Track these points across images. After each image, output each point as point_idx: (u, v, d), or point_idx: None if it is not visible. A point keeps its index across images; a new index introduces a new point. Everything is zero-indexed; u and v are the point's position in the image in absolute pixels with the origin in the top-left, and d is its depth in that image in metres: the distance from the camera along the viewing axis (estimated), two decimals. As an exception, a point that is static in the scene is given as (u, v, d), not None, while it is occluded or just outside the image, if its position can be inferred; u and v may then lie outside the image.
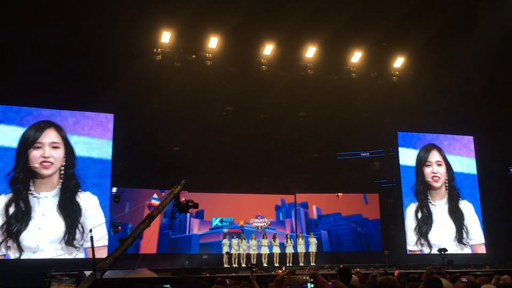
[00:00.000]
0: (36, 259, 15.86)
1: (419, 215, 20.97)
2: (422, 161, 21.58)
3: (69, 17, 15.59)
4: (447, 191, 21.51)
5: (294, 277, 2.61)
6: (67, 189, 16.88)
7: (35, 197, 16.42)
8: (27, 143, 16.63)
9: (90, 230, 13.80)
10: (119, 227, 17.13)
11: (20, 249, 15.97)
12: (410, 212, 20.97)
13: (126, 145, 18.27)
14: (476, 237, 21.38)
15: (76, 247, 16.55)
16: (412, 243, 20.62)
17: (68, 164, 17.02)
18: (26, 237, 16.13)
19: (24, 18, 15.40)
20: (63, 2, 15.27)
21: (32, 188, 16.44)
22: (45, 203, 16.53)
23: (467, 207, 21.58)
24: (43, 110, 17.11)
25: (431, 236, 20.88)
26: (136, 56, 16.98)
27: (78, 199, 17.02)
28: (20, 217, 16.10)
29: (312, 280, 2.56)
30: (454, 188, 21.60)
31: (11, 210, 16.08)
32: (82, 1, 15.34)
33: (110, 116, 17.88)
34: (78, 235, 16.68)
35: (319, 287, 2.52)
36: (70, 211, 16.79)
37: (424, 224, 20.92)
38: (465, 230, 21.33)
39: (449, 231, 21.20)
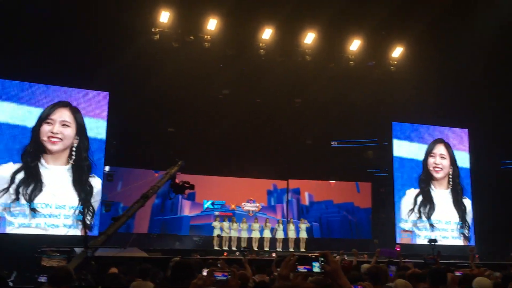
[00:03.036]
0: (28, 234, 15.90)
1: (419, 198, 21.18)
2: (428, 152, 21.80)
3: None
4: (450, 184, 21.69)
5: (302, 256, 2.63)
6: (81, 170, 17.07)
7: (45, 168, 16.61)
8: (41, 117, 16.82)
9: (82, 208, 13.87)
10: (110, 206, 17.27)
11: (32, 211, 16.16)
12: (409, 196, 21.14)
13: (121, 124, 18.21)
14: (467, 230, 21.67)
15: (78, 219, 16.77)
16: (403, 231, 20.76)
17: (80, 146, 17.14)
18: (40, 200, 16.38)
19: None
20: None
21: (42, 160, 16.61)
22: (55, 174, 16.72)
23: (468, 204, 21.88)
24: (34, 85, 17.06)
25: (434, 217, 21.16)
26: (134, 35, 16.85)
27: (90, 181, 17.22)
28: (30, 181, 16.31)
29: (322, 259, 2.56)
30: (458, 184, 21.81)
31: (20, 176, 16.26)
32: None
33: (106, 94, 17.79)
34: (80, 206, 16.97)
35: (330, 265, 2.53)
36: (84, 189, 17.04)
37: (424, 206, 21.12)
38: (467, 224, 21.63)
39: (451, 217, 21.53)
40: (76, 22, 16.15)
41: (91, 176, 17.25)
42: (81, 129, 17.25)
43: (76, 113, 17.26)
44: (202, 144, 19.28)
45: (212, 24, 17.33)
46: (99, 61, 16.91)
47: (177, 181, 6.64)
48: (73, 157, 16.99)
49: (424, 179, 21.50)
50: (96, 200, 17.13)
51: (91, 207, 17.04)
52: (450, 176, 21.77)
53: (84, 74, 17.30)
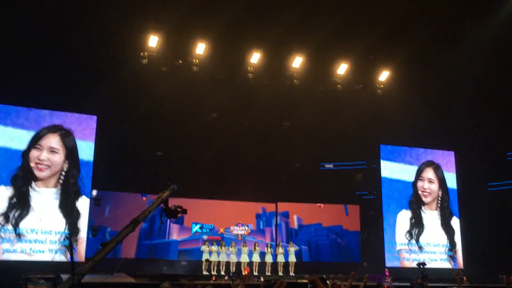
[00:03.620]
0: (13, 260, 15.62)
1: (409, 225, 21.25)
2: (417, 175, 21.92)
3: (56, 16, 15.51)
4: (439, 207, 21.80)
5: (291, 283, 2.61)
6: (68, 195, 16.95)
7: (36, 192, 16.47)
8: (31, 142, 16.75)
9: (68, 234, 13.67)
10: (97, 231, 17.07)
11: (17, 237, 15.97)
12: (403, 219, 21.16)
13: (109, 148, 18.11)
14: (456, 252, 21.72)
15: (65, 244, 16.52)
16: (392, 254, 20.72)
17: (69, 171, 17.04)
18: (26, 225, 16.19)
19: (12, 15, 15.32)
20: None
21: (33, 184, 16.50)
22: (45, 197, 16.57)
23: (457, 226, 21.97)
24: (20, 109, 16.91)
25: (422, 240, 21.20)
26: (122, 59, 16.89)
27: (77, 204, 17.07)
28: (18, 206, 16.17)
29: (311, 286, 2.56)
30: (448, 208, 21.96)
31: (10, 200, 16.12)
32: (71, 4, 15.25)
33: (94, 118, 17.71)
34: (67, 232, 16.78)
35: None
36: (71, 214, 16.88)
37: (414, 229, 21.19)
38: (455, 245, 21.70)
39: (440, 239, 21.61)
40: (66, 46, 16.17)
41: (80, 198, 17.09)
42: (71, 153, 17.12)
43: (66, 137, 17.12)
44: (190, 167, 19.25)
45: (200, 48, 17.43)
46: (88, 84, 16.93)
47: (169, 205, 6.59)
48: (61, 181, 16.84)
49: (415, 201, 21.57)
50: (83, 225, 16.94)
51: (78, 232, 16.81)
52: (439, 199, 21.88)
53: (73, 98, 17.25)
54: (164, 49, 17.38)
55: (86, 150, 17.40)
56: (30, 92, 16.77)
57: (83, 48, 16.18)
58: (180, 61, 17.70)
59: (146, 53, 17.16)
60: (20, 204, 16.22)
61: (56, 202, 16.75)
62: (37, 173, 16.61)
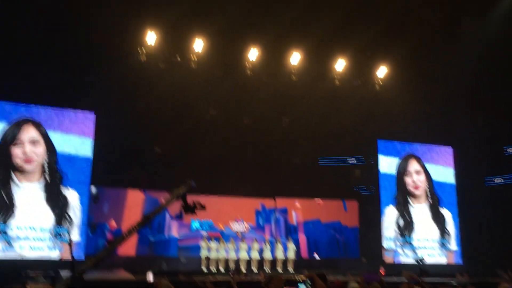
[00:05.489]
0: (11, 260, 15.58)
1: (400, 221, 21.18)
2: (401, 171, 21.81)
3: (54, 12, 15.48)
4: (428, 198, 21.80)
5: (289, 278, 2.63)
6: (52, 182, 16.71)
7: (18, 186, 16.22)
8: (7, 140, 16.39)
9: (68, 233, 13.73)
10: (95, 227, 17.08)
11: (7, 241, 15.76)
12: (390, 217, 21.13)
13: (107, 144, 18.07)
14: (452, 245, 21.70)
15: (62, 240, 16.33)
16: (390, 250, 20.75)
17: (50, 160, 16.83)
18: (14, 226, 15.97)
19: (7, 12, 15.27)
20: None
21: (14, 179, 16.25)
22: (29, 193, 16.35)
23: (447, 214, 21.93)
24: (21, 106, 16.80)
25: (414, 239, 21.17)
26: (120, 55, 16.86)
27: (63, 192, 16.85)
28: (5, 209, 15.92)
29: (308, 281, 2.57)
30: (434, 195, 21.89)
31: None
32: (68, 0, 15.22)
33: (91, 114, 17.66)
34: (66, 227, 16.57)
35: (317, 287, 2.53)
36: (57, 203, 16.65)
37: (406, 229, 21.15)
38: (447, 233, 21.64)
39: (432, 234, 21.56)
40: (63, 42, 16.14)
41: (64, 188, 16.90)
42: (47, 142, 16.90)
43: (39, 127, 16.87)
44: (190, 164, 19.20)
45: (199, 45, 17.42)
46: (86, 80, 16.89)
47: (188, 201, 6.55)
48: (45, 171, 16.67)
49: (401, 197, 21.54)
50: (76, 215, 16.80)
51: (69, 222, 16.69)
52: (427, 190, 21.92)
53: (70, 94, 17.21)
54: (162, 46, 17.37)
55: (84, 147, 17.35)
56: (25, 88, 16.69)
57: (80, 44, 16.16)
58: (179, 58, 17.71)
59: (144, 50, 17.16)
60: (5, 202, 15.99)
61: (43, 195, 16.55)
62: (26, 167, 16.36)
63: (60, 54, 16.30)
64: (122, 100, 17.89)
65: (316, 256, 19.03)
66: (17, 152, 16.38)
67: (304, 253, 20.49)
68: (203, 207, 6.69)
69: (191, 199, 5.26)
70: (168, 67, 17.70)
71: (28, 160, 16.44)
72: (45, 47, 16.17)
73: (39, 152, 16.68)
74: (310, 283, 2.35)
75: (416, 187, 21.73)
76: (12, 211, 16.01)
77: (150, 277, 10.46)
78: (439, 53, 19.04)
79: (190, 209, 6.73)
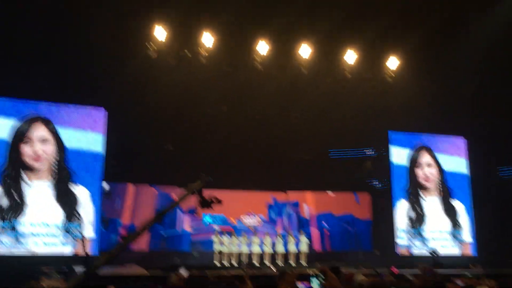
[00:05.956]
0: (24, 256, 15.69)
1: (412, 214, 21.03)
2: (413, 162, 21.64)
3: (63, 9, 15.51)
4: (439, 190, 21.60)
5: (302, 272, 2.59)
6: (61, 180, 16.75)
7: (28, 185, 16.29)
8: (17, 137, 16.46)
9: (80, 230, 13.79)
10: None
11: (17, 238, 15.83)
12: (401, 209, 20.99)
13: (118, 140, 18.13)
14: (466, 237, 21.52)
15: (74, 236, 16.40)
16: (402, 242, 20.63)
17: (59, 158, 16.88)
18: (26, 223, 16.04)
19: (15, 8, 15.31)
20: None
21: (25, 177, 16.31)
22: (39, 192, 16.41)
23: (459, 206, 21.72)
24: (31, 103, 16.84)
25: (426, 232, 21.01)
26: (130, 51, 16.88)
27: (72, 189, 16.89)
28: (15, 206, 15.99)
29: (321, 275, 2.53)
30: (445, 186, 21.70)
31: (4, 201, 15.91)
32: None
33: (101, 110, 17.68)
34: (76, 224, 16.63)
35: (329, 281, 2.49)
36: (66, 200, 16.69)
37: (417, 222, 20.99)
38: (459, 225, 21.47)
39: (443, 227, 21.36)
40: (73, 39, 16.17)
41: (72, 184, 16.95)
42: (57, 140, 16.94)
43: (49, 124, 16.89)
44: (200, 159, 19.20)
45: (207, 39, 17.38)
46: (96, 77, 16.94)
47: (204, 196, 6.49)
48: (54, 169, 16.70)
49: (413, 189, 21.38)
50: (86, 211, 16.86)
51: (79, 219, 16.75)
52: (439, 182, 21.75)
53: (81, 90, 17.27)
54: (171, 41, 17.36)
55: (95, 142, 17.39)
56: (35, 85, 16.76)
57: (90, 40, 16.18)
58: (188, 53, 17.69)
59: (154, 46, 17.16)
60: (15, 200, 16.07)
61: (53, 193, 16.60)
62: (36, 165, 16.42)
63: (70, 50, 16.34)
64: (132, 96, 17.93)
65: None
66: (26, 150, 16.45)
67: (317, 246, 20.46)
68: (219, 202, 6.63)
69: (206, 193, 5.20)
70: (178, 62, 17.68)
71: (37, 159, 16.51)
72: (55, 44, 16.20)
73: (48, 150, 16.75)
74: (322, 277, 2.32)
75: (427, 180, 21.54)
76: (22, 209, 16.09)
77: (183, 272, 10.44)
78: (452, 43, 18.82)
79: (206, 203, 6.67)
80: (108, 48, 16.38)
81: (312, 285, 2.23)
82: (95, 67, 16.80)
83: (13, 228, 15.81)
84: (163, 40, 17.18)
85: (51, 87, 16.99)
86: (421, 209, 21.19)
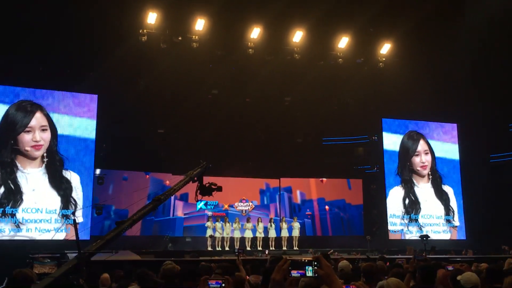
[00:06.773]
0: (18, 239, 15.77)
1: (405, 199, 21.18)
2: (408, 150, 21.73)
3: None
4: (431, 176, 21.73)
5: (295, 261, 2.60)
6: (54, 166, 16.73)
7: (23, 173, 16.25)
8: (15, 127, 16.38)
9: (73, 214, 13.71)
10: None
11: (14, 224, 15.91)
12: (395, 195, 21.12)
13: (110, 126, 18.07)
14: (456, 221, 21.72)
15: (67, 222, 16.48)
16: (395, 227, 20.78)
17: (52, 144, 16.84)
18: (22, 210, 16.08)
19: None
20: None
21: (18, 165, 16.27)
22: (33, 179, 16.39)
23: (449, 191, 21.91)
24: (24, 89, 16.74)
25: (420, 217, 21.19)
26: (121, 36, 16.78)
27: (65, 175, 16.89)
28: (11, 195, 15.98)
29: (315, 263, 2.54)
30: (437, 172, 21.83)
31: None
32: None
33: (94, 97, 17.61)
34: (71, 209, 16.72)
35: (323, 269, 2.50)
36: (61, 185, 16.72)
37: (411, 208, 21.15)
38: (452, 210, 21.66)
39: (437, 211, 21.55)
40: (64, 25, 16.04)
41: (66, 171, 16.95)
42: (52, 127, 16.89)
43: (44, 111, 16.82)
44: (193, 144, 19.21)
45: (200, 24, 17.29)
46: (88, 63, 16.86)
47: (204, 182, 6.48)
48: (46, 155, 16.68)
49: (407, 175, 21.49)
50: (79, 197, 16.91)
51: (74, 204, 16.82)
52: (432, 167, 21.89)
53: (73, 77, 17.18)
54: (163, 26, 17.27)
55: (88, 129, 17.35)
56: (28, 72, 16.65)
57: (81, 27, 16.06)
58: (180, 38, 17.60)
59: (145, 30, 17.06)
60: (12, 188, 16.06)
61: (46, 179, 16.59)
62: (35, 153, 16.42)
63: (62, 37, 16.22)
64: (124, 81, 17.85)
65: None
66: (27, 138, 16.40)
67: (309, 231, 20.58)
68: (219, 189, 6.58)
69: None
70: (170, 47, 17.60)
71: (37, 146, 16.49)
72: (47, 31, 16.04)
73: (46, 137, 16.73)
74: (317, 264, 2.34)
75: (424, 167, 21.67)
76: (20, 197, 16.09)
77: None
78: (443, 29, 18.82)
79: (206, 190, 6.61)
80: (100, 34, 16.30)
81: (307, 273, 2.25)
82: (87, 53, 16.72)
83: (9, 215, 15.83)
84: (155, 25, 17.09)
85: (45, 74, 16.91)
86: (415, 195, 21.32)
